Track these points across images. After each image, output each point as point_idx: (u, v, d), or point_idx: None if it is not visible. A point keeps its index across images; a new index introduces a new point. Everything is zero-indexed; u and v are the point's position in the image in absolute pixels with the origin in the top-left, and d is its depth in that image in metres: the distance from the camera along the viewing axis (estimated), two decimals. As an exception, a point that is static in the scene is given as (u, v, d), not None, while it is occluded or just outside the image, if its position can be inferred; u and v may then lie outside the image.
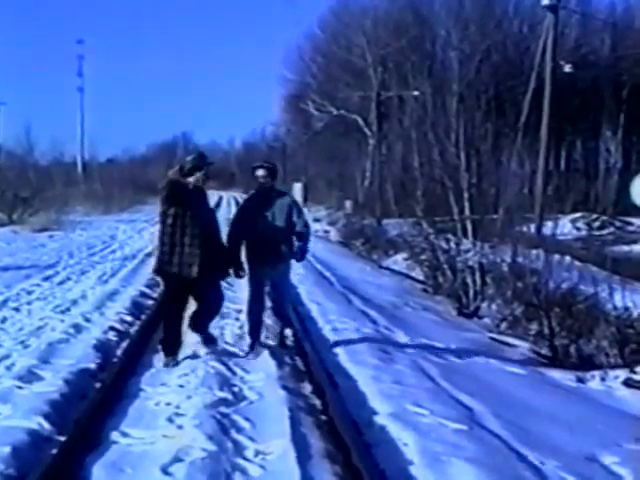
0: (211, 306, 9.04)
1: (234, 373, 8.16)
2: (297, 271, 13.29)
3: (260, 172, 9.15)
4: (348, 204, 42.15)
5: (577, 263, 13.13)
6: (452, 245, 15.65)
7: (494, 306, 13.87)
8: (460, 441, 6.09)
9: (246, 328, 9.65)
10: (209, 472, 5.40)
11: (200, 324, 9.02)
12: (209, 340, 9.06)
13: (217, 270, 8.83)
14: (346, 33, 53.29)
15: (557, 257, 13.38)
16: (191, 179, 8.56)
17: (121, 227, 34.68)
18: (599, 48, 51.27)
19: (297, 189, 50.17)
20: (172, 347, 8.69)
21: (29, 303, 12.56)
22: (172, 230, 8.43)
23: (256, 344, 9.27)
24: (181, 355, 8.78)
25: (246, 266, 9.17)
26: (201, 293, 8.82)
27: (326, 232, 35.71)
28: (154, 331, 9.85)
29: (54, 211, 36.06)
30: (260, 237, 8.94)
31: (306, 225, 9.51)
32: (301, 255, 9.44)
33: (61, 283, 15.12)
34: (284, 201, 9.29)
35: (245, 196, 8.74)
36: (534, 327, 11.73)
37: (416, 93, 40.23)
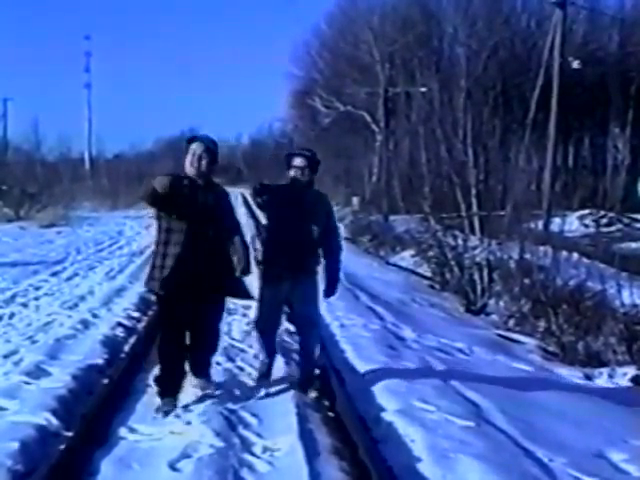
0: (206, 338, 7.08)
1: (241, 369, 8.16)
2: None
3: (298, 161, 7.15)
4: (355, 200, 42.08)
5: (585, 260, 13.11)
6: (459, 242, 15.63)
7: (501, 303, 13.86)
8: (467, 437, 6.08)
9: (255, 347, 7.95)
10: (217, 468, 5.41)
11: (197, 364, 7.10)
12: (208, 386, 7.12)
13: (222, 291, 6.98)
14: (353, 29, 53.19)
15: (565, 254, 13.38)
16: (187, 161, 6.69)
17: (128, 223, 34.71)
18: (607, 44, 51.10)
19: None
20: (169, 386, 6.83)
21: (37, 299, 12.59)
22: (159, 237, 6.75)
23: (271, 370, 7.60)
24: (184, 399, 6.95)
25: (263, 273, 7.28)
26: (197, 319, 6.87)
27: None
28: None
29: (61, 207, 36.13)
30: (284, 241, 7.06)
31: (340, 244, 7.72)
32: (331, 286, 7.46)
33: (69, 279, 15.16)
34: (322, 206, 7.39)
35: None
36: (542, 324, 11.72)
37: (423, 89, 40.16)
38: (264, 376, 7.52)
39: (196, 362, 7.06)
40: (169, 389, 6.83)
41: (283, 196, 7.14)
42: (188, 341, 6.93)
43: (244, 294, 7.15)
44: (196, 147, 6.72)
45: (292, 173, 7.16)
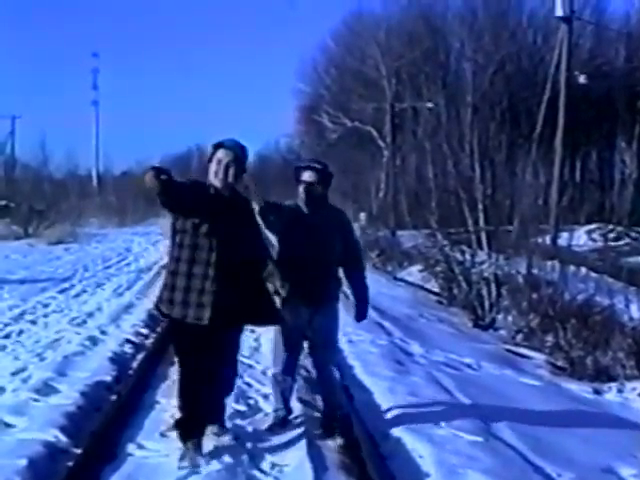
0: (221, 374, 6.13)
1: (250, 385, 8.16)
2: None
3: (307, 175, 6.47)
4: (362, 216, 42.05)
5: (593, 274, 13.09)
6: (467, 257, 15.61)
7: (510, 318, 13.82)
8: (476, 453, 6.07)
9: (271, 392, 7.04)
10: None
11: (210, 407, 6.15)
12: (223, 433, 6.21)
13: (243, 320, 6.11)
14: (359, 45, 53.33)
15: (573, 268, 13.37)
16: (212, 170, 5.84)
17: (136, 239, 34.78)
18: (613, 59, 51.11)
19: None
20: (192, 428, 5.92)
21: (45, 316, 12.60)
22: (178, 254, 5.79)
23: (287, 416, 6.78)
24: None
25: (283, 303, 6.39)
26: (214, 350, 5.91)
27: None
28: (169, 343, 9.86)
29: (69, 224, 36.22)
30: (298, 267, 6.22)
31: (362, 264, 7.12)
32: (362, 309, 6.83)
33: (77, 296, 15.18)
34: (338, 224, 6.69)
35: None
36: (550, 339, 11.69)
37: (430, 104, 40.26)
38: (279, 425, 6.68)
39: (209, 405, 6.09)
40: (191, 431, 5.91)
41: (293, 216, 6.42)
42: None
43: (276, 319, 6.28)
44: (222, 155, 5.83)
45: (302, 189, 6.46)
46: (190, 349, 5.84)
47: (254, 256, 5.94)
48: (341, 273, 6.80)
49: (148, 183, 5.23)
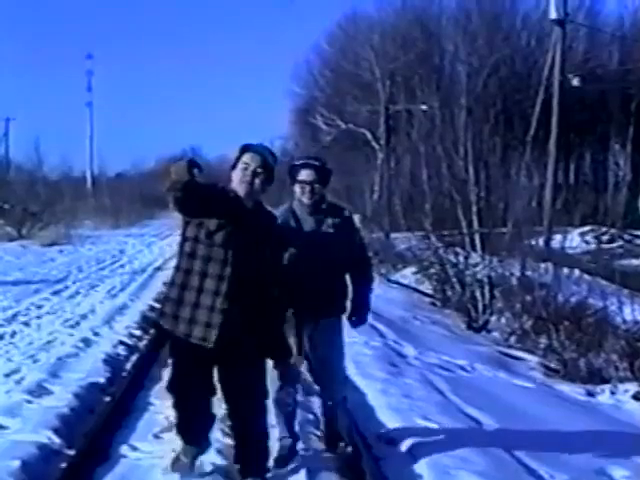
0: (250, 420, 5.29)
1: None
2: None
3: (305, 174, 5.88)
4: (356, 218, 42.05)
5: (586, 276, 13.12)
6: (461, 259, 15.63)
7: (503, 320, 13.85)
8: (469, 454, 6.08)
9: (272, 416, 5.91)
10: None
11: (248, 462, 5.34)
12: None
13: (260, 346, 5.21)
14: (354, 47, 53.37)
15: (566, 271, 13.39)
16: (236, 175, 5.18)
17: (130, 241, 34.71)
18: (607, 61, 51.18)
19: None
20: (189, 432, 5.55)
21: (39, 317, 12.58)
22: (188, 265, 5.10)
23: (295, 443, 6.09)
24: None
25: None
26: (230, 384, 5.21)
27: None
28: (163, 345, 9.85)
29: (63, 225, 36.10)
30: (298, 277, 5.54)
31: (371, 273, 6.39)
32: (360, 315, 6.20)
33: (70, 297, 15.15)
34: (342, 225, 6.00)
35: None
36: (543, 341, 11.72)
37: (424, 107, 40.26)
38: (286, 456, 5.91)
39: (246, 459, 5.35)
40: (189, 437, 5.57)
41: (290, 222, 5.88)
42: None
43: (286, 353, 5.46)
44: (250, 159, 5.17)
45: (298, 189, 5.88)
46: (186, 370, 5.25)
47: (271, 279, 5.18)
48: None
49: (176, 174, 4.65)
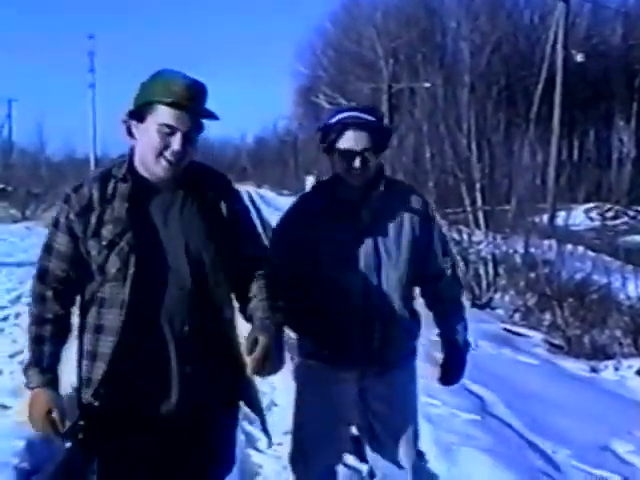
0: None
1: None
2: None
3: (354, 138, 3.51)
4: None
5: (590, 253, 13.10)
6: (464, 236, 15.60)
7: (507, 297, 13.84)
8: (472, 431, 6.09)
9: None
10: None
11: None
12: None
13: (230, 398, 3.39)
14: (356, 26, 53.25)
15: (570, 247, 13.38)
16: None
17: (133, 222, 34.65)
18: (610, 37, 51.04)
19: (309, 182, 50.12)
20: None
21: (43, 299, 12.59)
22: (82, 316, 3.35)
23: None
24: None
25: (300, 371, 3.89)
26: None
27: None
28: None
29: (67, 207, 36.14)
30: (343, 305, 3.58)
31: (456, 276, 3.94)
32: (453, 369, 4.19)
33: (74, 278, 15.15)
34: (409, 216, 3.67)
35: (285, 198, 3.74)
36: (547, 317, 11.72)
37: (427, 85, 40.15)
38: None
39: None
40: None
41: (325, 219, 3.63)
42: None
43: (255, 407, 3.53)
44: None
45: (340, 163, 3.59)
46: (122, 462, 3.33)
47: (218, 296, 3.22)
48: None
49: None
